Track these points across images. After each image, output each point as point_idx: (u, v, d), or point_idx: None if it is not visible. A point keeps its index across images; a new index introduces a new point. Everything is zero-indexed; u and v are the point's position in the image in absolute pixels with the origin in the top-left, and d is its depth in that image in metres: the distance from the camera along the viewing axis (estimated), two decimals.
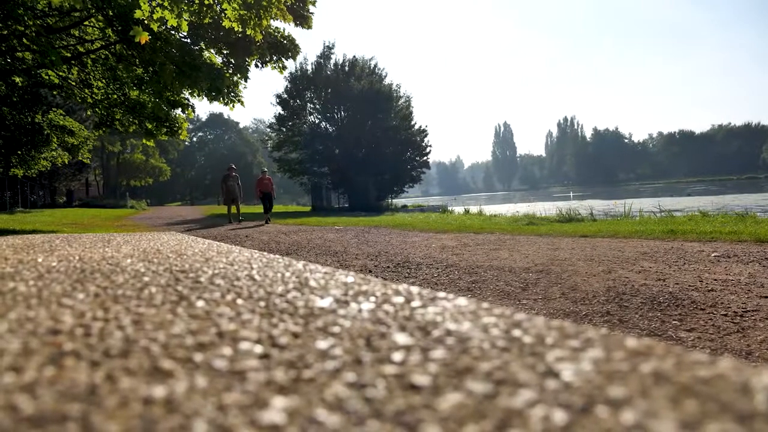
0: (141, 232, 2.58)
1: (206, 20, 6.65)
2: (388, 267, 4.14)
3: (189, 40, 8.92)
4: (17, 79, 7.93)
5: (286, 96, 26.70)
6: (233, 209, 12.30)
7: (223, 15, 6.61)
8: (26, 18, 6.33)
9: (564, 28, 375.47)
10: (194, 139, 63.74)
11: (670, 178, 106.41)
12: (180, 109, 8.89)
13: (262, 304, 0.70)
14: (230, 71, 9.24)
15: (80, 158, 14.47)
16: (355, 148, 25.51)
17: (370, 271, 3.95)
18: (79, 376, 0.41)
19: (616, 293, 2.81)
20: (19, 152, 12.89)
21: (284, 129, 26.86)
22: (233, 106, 9.03)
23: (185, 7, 5.82)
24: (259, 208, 17.34)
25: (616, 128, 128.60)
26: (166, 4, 5.66)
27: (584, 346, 0.47)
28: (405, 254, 4.87)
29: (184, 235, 2.27)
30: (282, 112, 26.74)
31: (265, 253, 1.36)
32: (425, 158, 27.59)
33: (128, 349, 0.49)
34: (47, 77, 8.77)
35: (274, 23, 8.77)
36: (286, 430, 0.32)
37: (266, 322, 0.59)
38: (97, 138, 26.25)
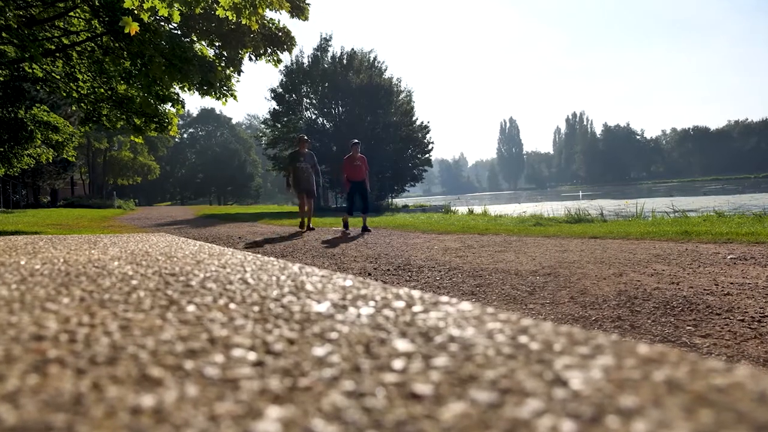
0: (129, 234, 2.58)
1: (198, 10, 6.66)
2: (389, 270, 4.14)
3: (179, 32, 8.92)
4: None
5: (281, 90, 26.72)
6: (306, 207, 8.47)
7: (216, 4, 6.61)
8: (8, 9, 6.33)
9: (573, 19, 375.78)
10: (185, 135, 63.75)
11: (684, 177, 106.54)
12: (170, 103, 8.91)
13: (256, 308, 0.70)
14: (222, 64, 9.24)
15: (65, 156, 14.47)
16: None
17: (370, 274, 3.95)
18: (64, 384, 0.41)
19: (627, 297, 2.82)
20: (1, 149, 12.89)
21: (279, 125, 26.88)
22: (226, 101, 9.04)
23: None
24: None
25: (628, 124, 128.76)
26: None
27: (594, 353, 0.47)
28: (406, 256, 4.87)
29: (174, 236, 2.27)
30: (277, 108, 26.76)
31: (259, 256, 1.36)
32: (427, 156, 27.62)
33: (115, 356, 0.49)
34: (30, 71, 8.78)
35: (269, 14, 8.79)
36: None
37: (260, 328, 0.59)
38: (83, 134, 26.28)
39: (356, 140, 8.62)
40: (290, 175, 8.40)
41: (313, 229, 8.58)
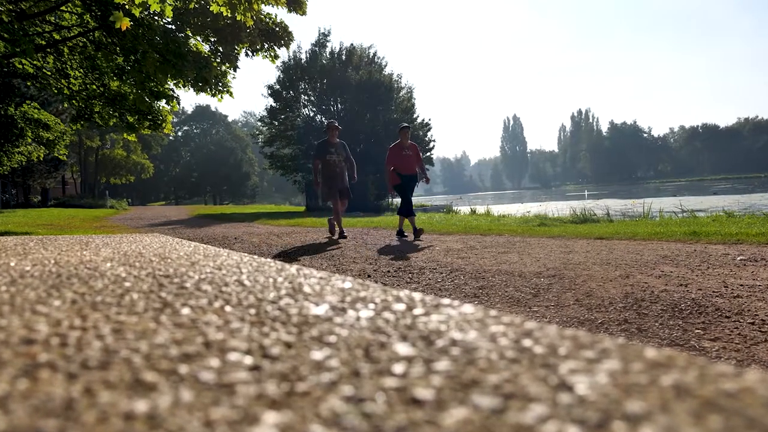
0: (122, 234, 2.58)
1: (192, 5, 6.66)
2: (389, 271, 4.14)
3: (173, 27, 8.92)
4: None
5: (278, 87, 26.69)
6: (340, 206, 6.87)
7: None
8: None
9: (579, 13, 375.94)
10: (179, 133, 63.79)
11: (692, 176, 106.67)
12: (164, 100, 8.91)
13: (253, 311, 0.70)
14: (218, 60, 9.25)
15: (56, 154, 14.47)
16: (352, 143, 25.47)
17: (369, 276, 3.95)
18: (55, 389, 0.41)
19: (634, 300, 2.82)
20: None
21: (276, 122, 26.86)
22: (221, 98, 9.05)
23: None
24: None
25: (635, 122, 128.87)
26: None
27: (600, 357, 0.47)
28: (406, 257, 4.87)
29: (168, 237, 2.28)
30: (274, 105, 26.73)
31: (256, 257, 1.36)
32: (429, 154, 27.61)
33: (108, 360, 0.49)
34: (21, 67, 8.78)
35: (266, 8, 8.77)
36: None
37: (257, 331, 0.59)
38: (75, 132, 26.27)
39: (405, 124, 7.22)
40: (318, 171, 6.79)
41: (345, 236, 6.79)
